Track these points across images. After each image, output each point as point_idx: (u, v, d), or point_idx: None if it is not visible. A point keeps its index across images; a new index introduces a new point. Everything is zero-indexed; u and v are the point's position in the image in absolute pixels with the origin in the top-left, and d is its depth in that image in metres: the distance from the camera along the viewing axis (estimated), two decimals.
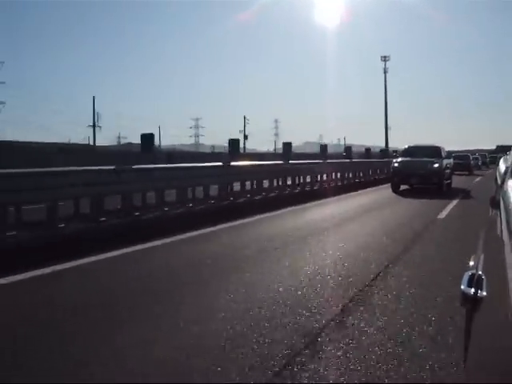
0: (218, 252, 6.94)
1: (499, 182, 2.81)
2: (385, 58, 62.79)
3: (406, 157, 19.43)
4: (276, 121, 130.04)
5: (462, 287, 1.47)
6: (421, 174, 18.01)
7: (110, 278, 5.58)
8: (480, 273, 1.47)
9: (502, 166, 3.39)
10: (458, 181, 26.01)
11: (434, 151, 19.64)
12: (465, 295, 1.45)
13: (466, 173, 37.38)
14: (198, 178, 11.52)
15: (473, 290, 1.41)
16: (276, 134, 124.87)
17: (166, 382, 3.05)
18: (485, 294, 1.30)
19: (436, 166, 18.20)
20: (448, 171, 19.89)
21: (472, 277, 1.50)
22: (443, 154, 19.64)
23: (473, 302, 1.39)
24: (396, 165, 18.70)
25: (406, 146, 20.38)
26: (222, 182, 12.38)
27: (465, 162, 39.03)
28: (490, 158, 64.15)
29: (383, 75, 64.92)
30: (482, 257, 1.68)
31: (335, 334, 3.68)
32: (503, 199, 1.90)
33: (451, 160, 21.22)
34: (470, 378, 1.41)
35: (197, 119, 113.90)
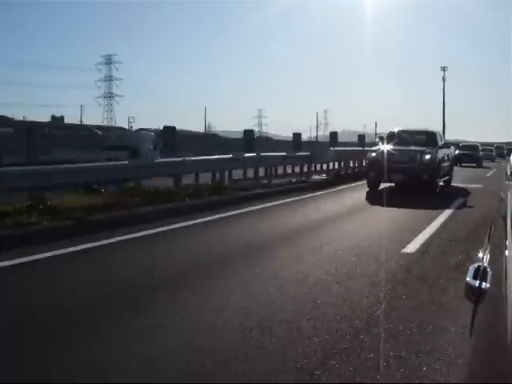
0: None
1: (508, 173, 2.88)
2: (444, 69, 67.89)
3: (388, 144, 14.57)
4: (325, 111, 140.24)
5: (468, 279, 1.49)
6: (406, 168, 13.15)
7: None
8: (486, 265, 1.51)
9: None
10: (462, 176, 21.11)
11: (428, 138, 14.71)
12: (469, 287, 1.46)
13: (474, 165, 32.62)
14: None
15: (477, 283, 1.41)
16: (326, 124, 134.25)
17: None
18: (488, 286, 1.30)
19: (428, 157, 13.32)
20: (446, 164, 15.00)
21: (478, 269, 1.52)
22: (439, 142, 14.73)
23: (477, 294, 1.39)
24: (373, 155, 13.81)
25: (392, 130, 15.44)
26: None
27: (473, 153, 34.13)
28: (508, 150, 60.56)
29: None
30: (488, 249, 1.71)
31: None
32: (511, 191, 2.02)
33: (451, 150, 16.27)
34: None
35: (260, 110, 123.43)
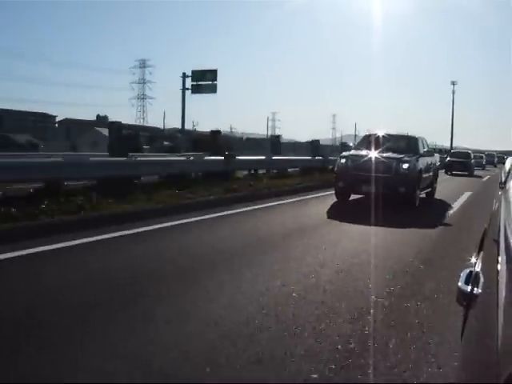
0: None
1: (502, 179, 3.05)
2: (453, 83, 71.99)
3: (361, 149, 12.67)
4: (334, 116, 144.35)
5: (459, 284, 1.50)
6: (379, 178, 11.28)
7: None
8: (478, 270, 1.51)
9: (508, 165, 3.49)
10: (451, 186, 19.27)
11: (408, 144, 12.82)
12: (461, 292, 1.48)
13: (466, 173, 31.10)
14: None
15: (469, 288, 1.43)
16: (333, 128, 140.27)
17: None
18: (480, 291, 1.32)
19: (405, 166, 11.46)
20: (428, 175, 13.15)
21: (470, 274, 1.53)
22: (421, 149, 12.86)
23: (468, 299, 1.42)
24: (342, 161, 11.91)
25: (367, 133, 13.53)
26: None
27: (464, 160, 32.43)
28: (498, 157, 59.87)
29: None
30: (481, 254, 1.71)
31: None
32: (504, 198, 2.02)
33: (435, 158, 14.42)
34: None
35: (274, 113, 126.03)
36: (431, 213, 11.38)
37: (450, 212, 11.49)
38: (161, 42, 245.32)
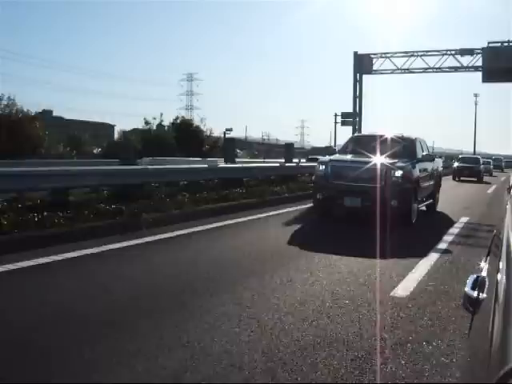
0: None
1: (511, 183, 3.16)
2: (475, 95, 73.94)
3: (345, 154, 10.44)
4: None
5: (466, 289, 1.51)
6: (366, 189, 9.08)
7: None
8: (484, 275, 1.52)
9: None
10: (456, 194, 17.00)
11: (404, 147, 10.59)
12: (467, 297, 1.48)
13: (475, 179, 28.98)
14: None
15: (475, 293, 1.43)
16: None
17: None
18: (485, 296, 1.31)
19: (399, 174, 9.23)
20: (428, 184, 10.92)
21: (476, 279, 1.53)
22: (419, 154, 10.62)
23: (474, 304, 1.41)
24: (321, 168, 9.68)
25: (354, 135, 11.28)
26: None
27: (473, 166, 30.18)
28: (506, 162, 57.88)
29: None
30: (488, 259, 1.72)
31: None
32: (510, 203, 2.08)
33: (436, 164, 12.15)
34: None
35: (302, 121, 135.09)
36: (429, 233, 9.10)
37: (455, 230, 9.24)
38: (206, 59, 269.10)
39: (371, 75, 30.71)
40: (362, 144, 10.72)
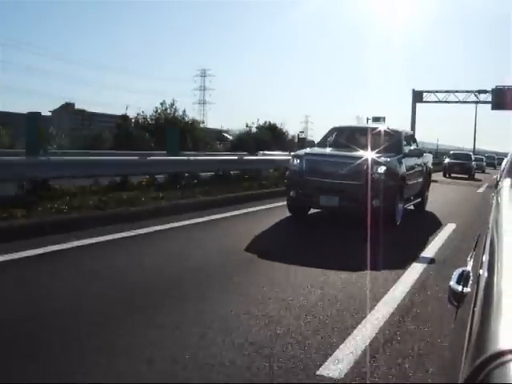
0: None
1: (498, 178, 3.23)
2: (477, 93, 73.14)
3: (323, 147, 9.37)
4: (357, 117, 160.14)
5: (451, 283, 1.50)
6: (345, 186, 8.04)
7: None
8: (469, 270, 1.54)
9: (503, 165, 3.63)
10: (445, 192, 16.02)
11: (388, 140, 9.54)
12: (452, 291, 1.48)
13: (466, 176, 28.25)
14: None
15: (460, 287, 1.44)
16: None
17: None
18: (469, 290, 1.33)
19: (381, 170, 8.17)
20: (415, 182, 9.89)
21: (461, 274, 1.54)
22: (404, 148, 9.57)
23: (458, 298, 1.42)
24: (295, 163, 8.59)
25: (334, 126, 10.20)
26: None
27: (465, 162, 29.37)
28: (498, 159, 57.49)
29: None
30: (473, 254, 1.77)
31: None
32: (495, 197, 2.16)
33: (425, 159, 11.08)
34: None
35: (306, 116, 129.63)
36: (414, 237, 8.07)
37: (443, 235, 8.23)
38: (219, 55, 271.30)
39: (422, 103, 49.07)
40: (344, 137, 9.67)
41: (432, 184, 12.54)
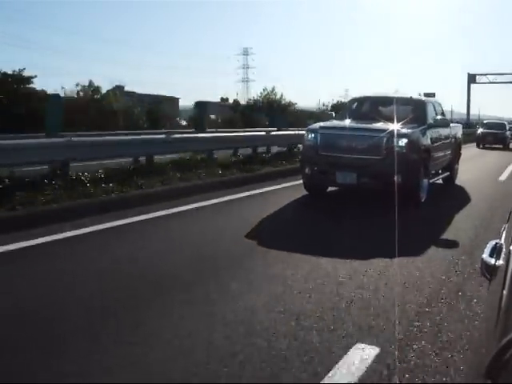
0: None
1: None
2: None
3: (341, 120, 8.72)
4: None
5: (484, 256, 1.48)
6: (364, 161, 7.44)
7: None
8: (502, 242, 1.50)
9: None
10: (480, 164, 15.15)
11: (412, 111, 8.80)
12: (485, 264, 1.46)
13: (501, 146, 27.13)
14: None
15: (493, 260, 1.42)
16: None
17: None
18: (502, 262, 1.31)
19: (403, 143, 7.47)
20: (443, 154, 9.18)
21: (494, 246, 1.52)
22: (430, 118, 8.80)
23: (491, 271, 1.40)
24: (310, 137, 7.94)
25: (355, 97, 9.49)
26: None
27: (498, 132, 28.25)
28: None
29: None
30: (506, 226, 1.70)
31: None
32: None
33: (453, 130, 10.29)
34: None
35: (346, 90, 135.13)
36: (437, 221, 7.39)
37: (472, 212, 7.56)
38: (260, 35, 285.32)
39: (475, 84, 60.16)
40: (363, 108, 9.01)
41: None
